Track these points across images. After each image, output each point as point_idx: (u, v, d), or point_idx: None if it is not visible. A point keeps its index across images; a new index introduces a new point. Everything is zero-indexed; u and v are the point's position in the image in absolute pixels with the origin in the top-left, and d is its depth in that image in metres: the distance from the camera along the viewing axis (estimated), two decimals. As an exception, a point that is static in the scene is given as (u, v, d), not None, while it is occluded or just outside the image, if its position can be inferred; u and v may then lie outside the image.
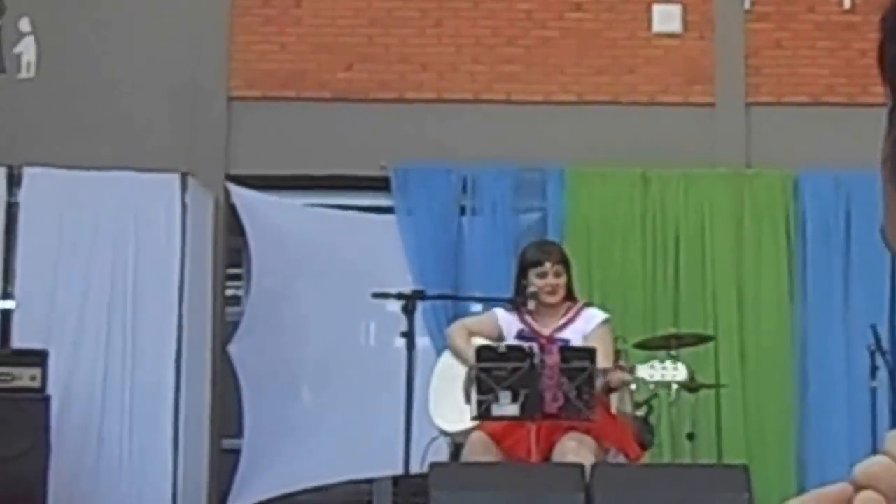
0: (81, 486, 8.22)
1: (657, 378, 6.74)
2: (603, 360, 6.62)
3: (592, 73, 9.59)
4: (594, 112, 9.52)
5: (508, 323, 6.93)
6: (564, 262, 6.98)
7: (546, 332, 6.83)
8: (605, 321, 6.93)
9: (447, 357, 7.09)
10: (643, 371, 6.71)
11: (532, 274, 6.86)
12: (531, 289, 6.82)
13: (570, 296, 6.99)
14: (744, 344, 9.19)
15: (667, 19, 9.64)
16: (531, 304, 6.85)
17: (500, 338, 6.87)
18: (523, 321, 6.90)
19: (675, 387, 7.87)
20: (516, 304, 6.90)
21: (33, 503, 7.44)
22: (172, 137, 9.37)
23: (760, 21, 9.65)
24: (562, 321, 6.88)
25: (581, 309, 6.96)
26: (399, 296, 6.74)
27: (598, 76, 9.60)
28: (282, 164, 9.43)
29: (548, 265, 6.86)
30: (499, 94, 9.59)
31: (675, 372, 6.74)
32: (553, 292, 6.85)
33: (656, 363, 6.75)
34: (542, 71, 9.59)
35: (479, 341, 6.78)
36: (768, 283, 9.26)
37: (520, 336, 6.83)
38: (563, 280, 6.89)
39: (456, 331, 7.08)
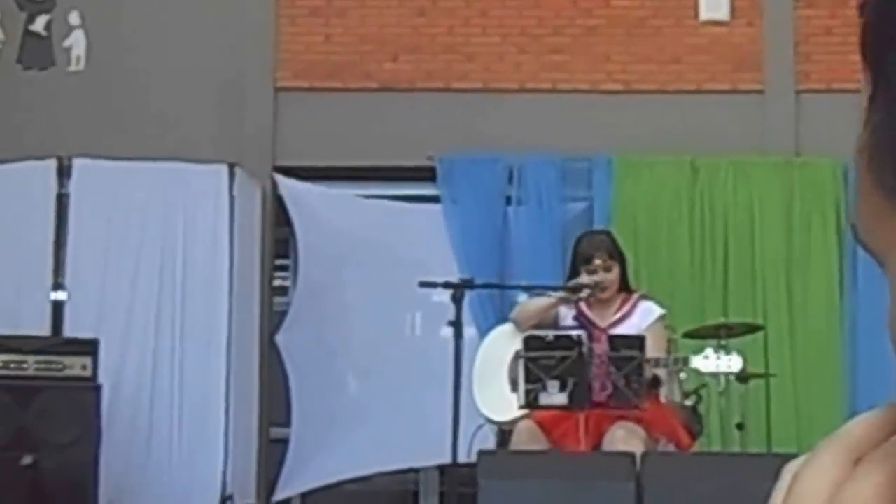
0: (131, 474, 8.27)
1: (712, 369, 6.67)
2: (654, 354, 6.55)
3: (639, 62, 9.53)
4: (641, 101, 9.47)
5: (564, 312, 6.87)
6: (615, 254, 6.90)
7: (602, 324, 6.77)
8: (662, 317, 6.86)
9: (489, 345, 7.06)
10: (698, 362, 6.63)
11: (583, 270, 6.80)
12: (583, 293, 6.77)
13: (624, 286, 6.91)
14: (794, 333, 9.12)
15: (714, 6, 9.57)
16: (585, 292, 6.77)
17: (556, 323, 6.81)
18: (579, 312, 6.84)
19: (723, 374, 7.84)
20: (569, 292, 6.83)
21: (84, 492, 7.47)
22: (220, 129, 9.40)
23: (810, 7, 9.58)
24: (617, 315, 6.81)
25: (637, 302, 6.89)
26: (447, 285, 6.69)
27: (645, 64, 9.53)
28: (328, 155, 9.42)
29: (597, 261, 6.79)
30: (545, 83, 9.55)
31: (731, 363, 6.67)
32: (603, 289, 6.78)
33: (710, 353, 6.66)
34: (589, 60, 9.56)
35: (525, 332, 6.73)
36: (818, 271, 9.18)
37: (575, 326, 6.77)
38: (613, 274, 6.82)
39: (521, 303, 7.03)
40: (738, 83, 9.54)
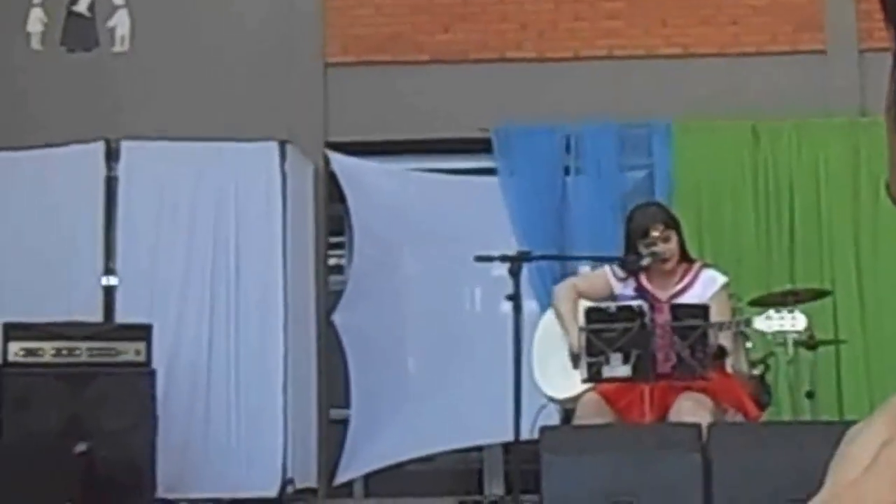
0: (190, 459, 8.20)
1: (775, 328, 6.51)
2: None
3: (697, 25, 9.46)
4: (699, 64, 9.40)
5: (623, 283, 6.75)
6: (671, 223, 6.76)
7: (663, 296, 6.64)
8: (725, 285, 6.73)
9: (547, 322, 6.94)
10: (760, 323, 6.49)
11: (640, 244, 6.66)
12: (644, 261, 6.63)
13: (684, 256, 6.77)
14: (863, 298, 8.98)
15: (772, -34, 9.44)
16: (646, 261, 6.64)
17: (611, 297, 6.70)
18: (639, 285, 6.72)
19: (791, 343, 7.73)
20: (629, 269, 6.71)
21: (142, 478, 7.42)
22: (270, 106, 9.33)
23: (871, -37, 9.43)
24: (679, 286, 6.69)
25: (699, 271, 6.76)
26: (504, 258, 6.55)
27: (703, 27, 9.46)
28: (381, 129, 9.38)
29: (654, 233, 6.66)
30: (600, 49, 9.49)
31: (794, 321, 6.50)
32: (665, 259, 6.65)
33: (772, 313, 6.50)
34: (645, 24, 9.48)
35: (585, 304, 6.60)
36: (886, 234, 9.02)
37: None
38: (672, 243, 6.68)
39: (564, 292, 6.90)
40: (799, 43, 9.44)
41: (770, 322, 6.47)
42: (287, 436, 8.39)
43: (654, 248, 6.64)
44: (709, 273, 6.78)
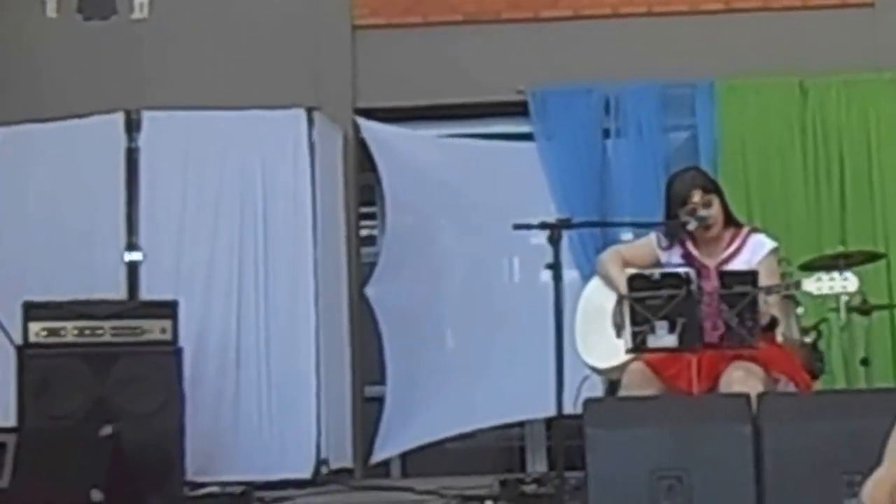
0: (220, 440, 8.15)
1: (825, 291, 6.29)
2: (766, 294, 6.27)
3: None
4: (743, 19, 9.34)
5: (668, 252, 6.63)
6: (711, 187, 6.63)
7: (711, 263, 6.51)
8: (774, 250, 6.59)
9: (589, 292, 6.81)
10: (810, 285, 6.27)
11: (681, 212, 6.54)
12: (689, 226, 6.51)
13: (730, 221, 6.64)
14: (919, 259, 8.95)
15: (818, -86, 9.43)
16: (692, 225, 6.50)
17: (657, 266, 6.56)
18: (686, 251, 6.59)
19: (844, 308, 7.70)
20: (674, 235, 6.59)
21: (169, 462, 7.35)
22: (295, 72, 9.31)
23: (922, -90, 9.41)
24: (727, 252, 6.56)
25: (747, 236, 6.62)
26: (543, 225, 6.39)
27: None
28: (412, 95, 9.33)
29: (695, 199, 6.53)
30: (639, 6, 9.42)
31: (846, 283, 6.28)
32: (709, 226, 6.53)
33: (823, 275, 6.29)
34: None
35: (629, 271, 6.44)
36: (942, 191, 9.05)
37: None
38: (715, 208, 6.55)
39: (609, 256, 6.79)
40: None
41: (820, 284, 6.27)
42: (320, 415, 8.34)
43: (700, 213, 6.49)
44: (757, 237, 6.63)
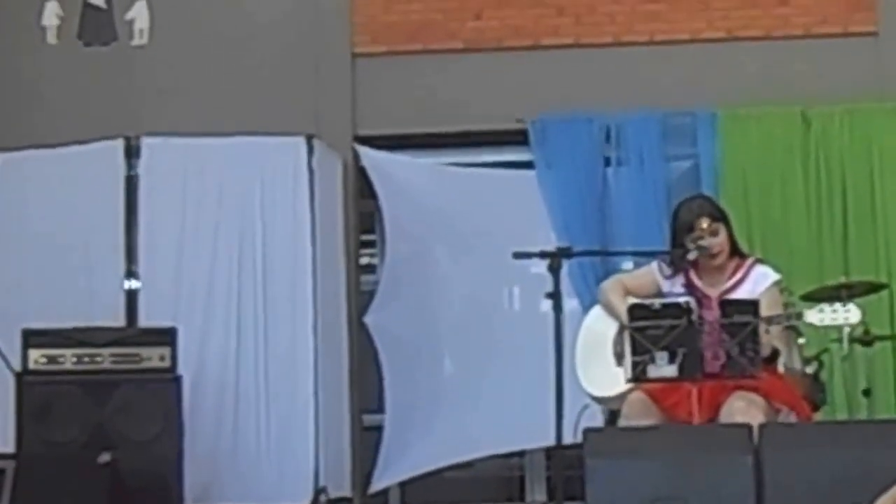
0: (218, 469, 8.18)
1: (828, 322, 6.31)
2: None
3: (742, 7, 9.39)
4: (746, 49, 9.32)
5: (671, 280, 6.61)
6: (719, 216, 6.62)
7: (713, 293, 6.49)
8: (777, 283, 6.58)
9: (590, 321, 6.81)
10: (812, 316, 6.28)
11: (687, 240, 6.53)
12: (690, 254, 6.50)
13: (735, 251, 6.64)
14: (921, 290, 8.93)
15: (821, -56, 9.48)
16: (692, 255, 6.50)
17: (659, 295, 6.55)
18: (688, 281, 6.57)
19: (846, 339, 7.65)
20: (677, 264, 6.58)
21: (168, 490, 7.38)
22: (295, 99, 9.33)
23: (925, -60, 9.45)
24: (730, 282, 6.55)
25: (751, 267, 6.61)
26: (543, 254, 6.41)
27: (749, 9, 9.40)
28: (412, 122, 9.36)
29: (703, 225, 6.53)
30: (641, 35, 9.42)
31: (848, 314, 6.29)
32: (714, 255, 6.52)
33: (825, 306, 6.31)
34: (687, 7, 9.44)
35: (630, 300, 6.43)
36: (943, 222, 9.04)
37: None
38: (721, 237, 6.55)
39: (611, 285, 6.80)
40: (850, 25, 9.37)
41: (822, 315, 6.29)
42: (319, 443, 8.36)
43: (702, 243, 6.49)
44: (761, 269, 6.62)
